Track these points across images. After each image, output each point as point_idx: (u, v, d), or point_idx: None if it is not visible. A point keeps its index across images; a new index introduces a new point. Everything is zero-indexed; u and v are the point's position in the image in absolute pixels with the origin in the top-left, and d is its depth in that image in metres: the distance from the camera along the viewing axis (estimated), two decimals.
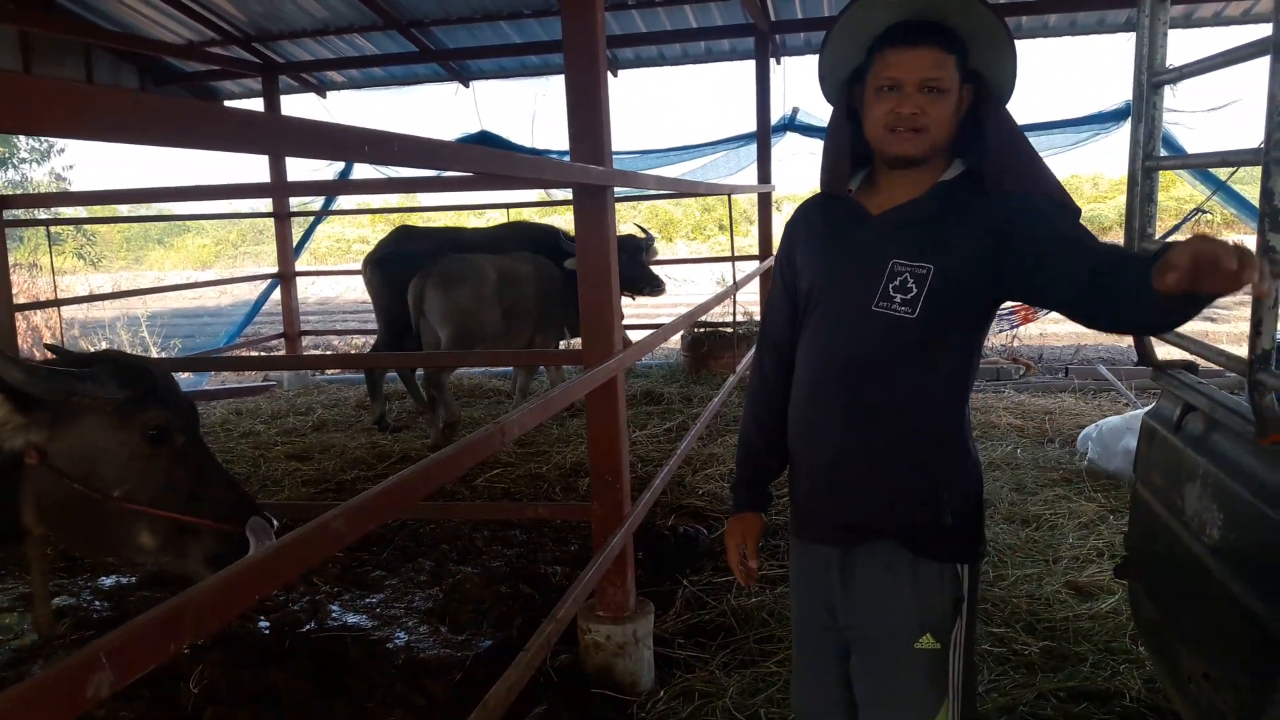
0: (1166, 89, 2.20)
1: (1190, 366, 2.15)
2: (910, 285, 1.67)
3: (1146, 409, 4.97)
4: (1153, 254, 1.34)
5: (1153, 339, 2.24)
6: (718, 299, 4.98)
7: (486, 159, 2.03)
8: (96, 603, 3.85)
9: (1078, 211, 1.68)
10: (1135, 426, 4.97)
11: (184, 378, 8.47)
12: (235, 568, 1.22)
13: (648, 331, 4.58)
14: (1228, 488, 1.71)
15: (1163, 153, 2.21)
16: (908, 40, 1.65)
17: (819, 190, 1.89)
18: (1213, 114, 6.60)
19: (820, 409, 1.78)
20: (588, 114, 2.91)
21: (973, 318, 1.73)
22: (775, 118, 8.24)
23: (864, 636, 1.77)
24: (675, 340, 8.61)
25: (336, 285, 20.70)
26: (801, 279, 1.85)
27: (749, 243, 8.64)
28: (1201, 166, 2.14)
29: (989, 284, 1.66)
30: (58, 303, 6.91)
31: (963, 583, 1.73)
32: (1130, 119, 2.20)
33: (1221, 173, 5.97)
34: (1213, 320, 10.90)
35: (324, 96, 9.20)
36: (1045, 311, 7.95)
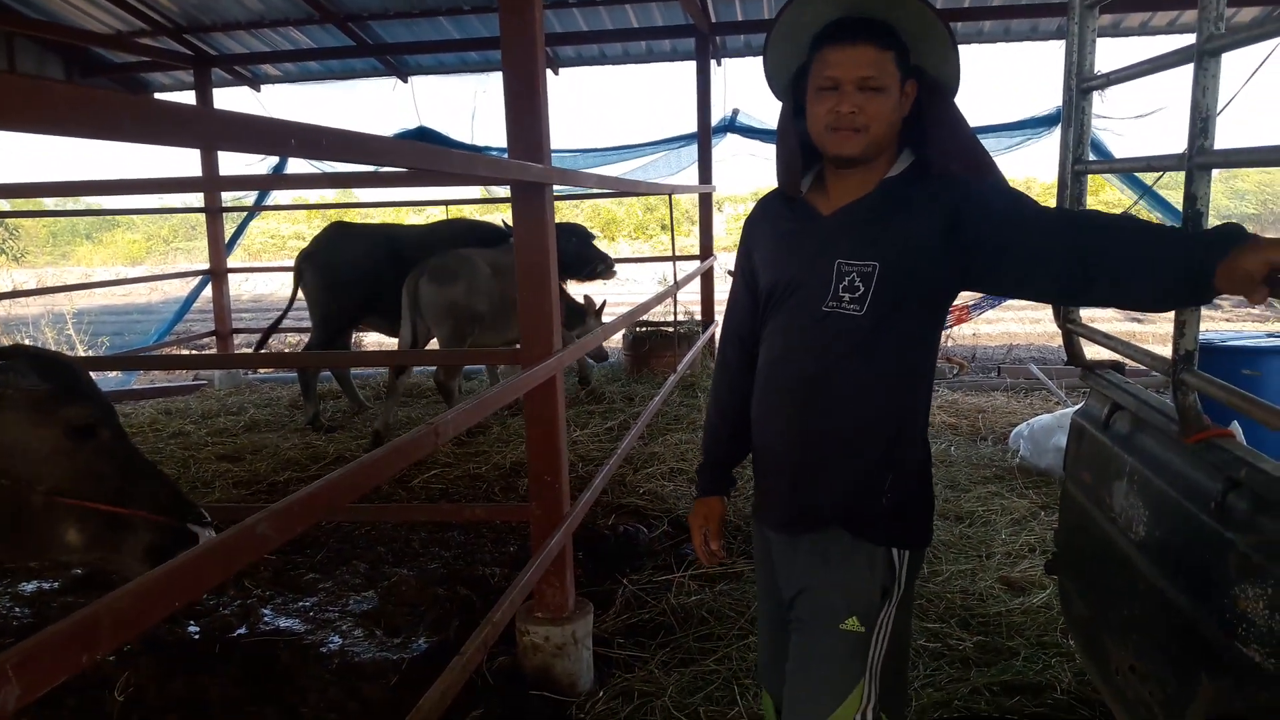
0: (1095, 95, 2.24)
1: (1118, 366, 2.20)
2: (857, 284, 1.69)
3: (1077, 408, 5.11)
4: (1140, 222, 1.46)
5: (1081, 340, 2.28)
6: (659, 298, 4.98)
7: (419, 155, 2.00)
8: (16, 609, 3.72)
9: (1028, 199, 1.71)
10: (1066, 424, 5.07)
11: (111, 376, 8.23)
12: (154, 574, 1.18)
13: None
14: (1153, 485, 1.74)
15: (1092, 157, 2.25)
16: (844, 39, 1.66)
17: (776, 187, 1.92)
18: (1140, 120, 6.79)
19: (775, 403, 1.83)
20: (526, 110, 2.88)
21: (925, 309, 1.75)
22: (716, 119, 8.29)
23: (797, 617, 1.84)
24: (616, 339, 8.60)
25: (271, 282, 20.29)
26: (760, 278, 1.89)
27: (690, 242, 8.65)
28: (1128, 170, 2.19)
29: (941, 272, 1.69)
30: None
31: (896, 569, 1.78)
32: (1060, 124, 2.24)
33: (1148, 178, 6.14)
34: (1139, 321, 11.22)
35: (258, 90, 9.02)
36: (980, 311, 8.12)
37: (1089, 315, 2.32)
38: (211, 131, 1.34)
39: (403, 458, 1.83)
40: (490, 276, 5.96)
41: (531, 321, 2.97)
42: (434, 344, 6.02)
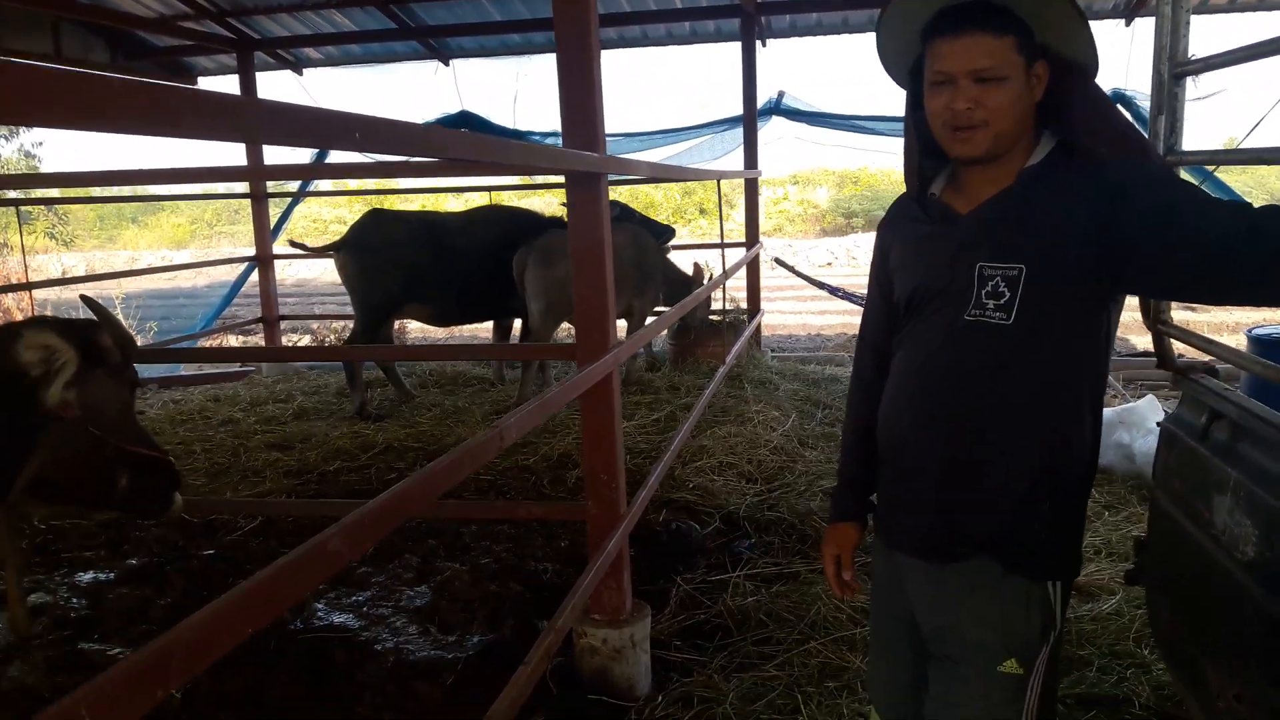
0: (1140, 84, 2.10)
1: (1211, 370, 2.08)
2: (1002, 289, 1.55)
3: (1141, 402, 4.96)
4: None
5: (1173, 341, 2.16)
6: (709, 288, 4.89)
7: (479, 146, 1.92)
8: (74, 600, 3.73)
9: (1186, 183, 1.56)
10: (1128, 420, 4.96)
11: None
12: (225, 600, 1.12)
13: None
14: (1264, 503, 1.63)
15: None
16: (953, 28, 1.53)
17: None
18: (1198, 103, 6.58)
19: (912, 418, 1.70)
20: (581, 99, 2.80)
21: (1082, 314, 1.57)
22: (761, 101, 8.14)
23: (944, 653, 1.69)
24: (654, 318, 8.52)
25: (314, 266, 20.44)
26: (896, 285, 1.75)
27: (730, 226, 8.51)
28: (1232, 163, 2.06)
29: (1097, 272, 1.52)
30: (29, 285, 6.73)
31: (1053, 604, 1.63)
32: (1150, 110, 2.12)
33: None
34: (1192, 310, 10.89)
35: (300, 74, 9.01)
36: None
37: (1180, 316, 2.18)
38: (277, 126, 1.27)
39: (471, 462, 1.77)
40: None
41: (586, 314, 2.89)
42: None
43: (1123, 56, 7.32)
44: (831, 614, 3.29)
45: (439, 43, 8.50)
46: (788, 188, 29.39)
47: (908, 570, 1.75)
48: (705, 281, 7.01)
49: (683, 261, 7.70)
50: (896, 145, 8.63)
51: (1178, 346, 2.25)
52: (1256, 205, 1.44)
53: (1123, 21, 7.42)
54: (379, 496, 1.46)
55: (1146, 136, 1.62)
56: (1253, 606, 1.63)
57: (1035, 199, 1.57)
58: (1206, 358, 2.13)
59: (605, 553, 2.70)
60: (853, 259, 21.12)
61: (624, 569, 2.98)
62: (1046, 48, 1.57)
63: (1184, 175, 2.02)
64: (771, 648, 3.15)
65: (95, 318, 2.57)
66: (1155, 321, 2.14)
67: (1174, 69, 2.08)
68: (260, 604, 1.18)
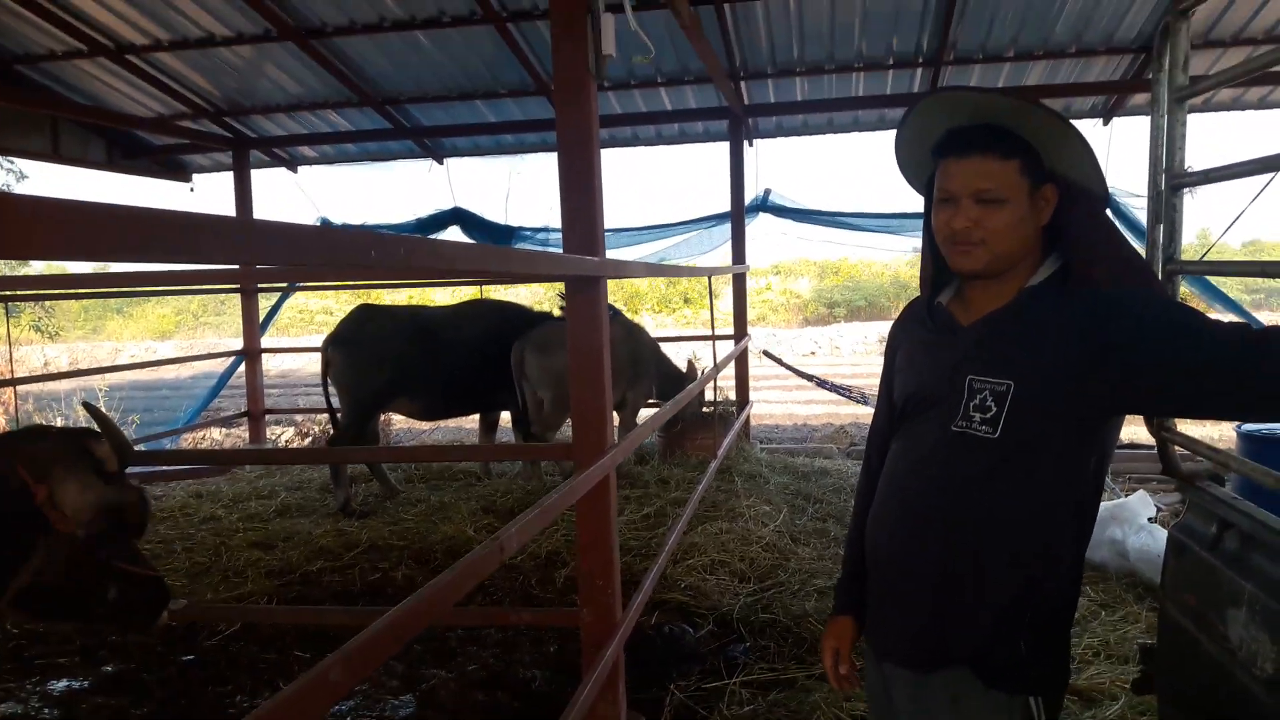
0: (1120, 182, 2.14)
1: (1216, 478, 2.07)
2: (990, 403, 1.57)
3: (1133, 498, 4.94)
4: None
5: (1177, 448, 2.16)
6: (701, 383, 4.89)
7: (488, 256, 1.94)
8: (46, 710, 3.59)
9: (1183, 307, 1.58)
10: (1120, 516, 4.93)
11: (140, 452, 8.17)
12: None
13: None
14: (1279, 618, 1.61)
15: (1129, 231, 2.16)
16: (959, 150, 1.58)
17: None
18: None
19: (896, 523, 1.71)
20: (582, 204, 2.84)
21: (1071, 434, 1.57)
22: (748, 198, 8.29)
23: None
24: (643, 414, 8.51)
25: (299, 357, 20.40)
26: (895, 388, 1.80)
27: (716, 316, 8.59)
28: (1236, 274, 2.09)
29: (1088, 395, 1.53)
30: (14, 381, 6.66)
31: (1036, 718, 1.60)
32: (1148, 221, 2.15)
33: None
34: None
35: (295, 171, 9.13)
36: None
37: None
38: (291, 246, 1.27)
39: (470, 579, 1.72)
40: None
41: (584, 416, 2.88)
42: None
43: (1102, 156, 7.50)
44: None
45: (433, 142, 8.65)
46: (770, 278, 29.78)
47: (894, 678, 1.74)
48: (698, 377, 7.03)
49: (672, 352, 7.73)
50: (879, 241, 8.79)
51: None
52: (1257, 326, 1.46)
53: (1100, 121, 7.65)
54: (378, 621, 1.41)
55: (1142, 257, 1.64)
56: None
57: (1032, 317, 1.59)
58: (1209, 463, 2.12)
59: (602, 663, 2.63)
60: (835, 348, 21.29)
61: (619, 680, 2.90)
62: (1054, 172, 1.60)
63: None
64: None
65: (94, 423, 2.56)
66: (1159, 428, 2.14)
67: (1171, 180, 2.12)
68: None
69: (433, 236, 8.68)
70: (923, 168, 1.74)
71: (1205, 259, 2.39)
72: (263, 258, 1.18)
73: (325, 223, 8.98)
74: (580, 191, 2.84)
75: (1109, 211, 1.70)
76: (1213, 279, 7.14)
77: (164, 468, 7.32)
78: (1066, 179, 1.61)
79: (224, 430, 10.33)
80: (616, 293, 27.46)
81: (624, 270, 3.63)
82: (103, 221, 0.89)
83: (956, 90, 1.63)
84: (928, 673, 1.66)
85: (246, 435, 8.76)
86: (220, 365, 9.46)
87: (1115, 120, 7.66)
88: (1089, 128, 7.79)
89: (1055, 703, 1.65)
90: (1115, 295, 1.55)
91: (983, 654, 1.60)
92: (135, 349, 24.59)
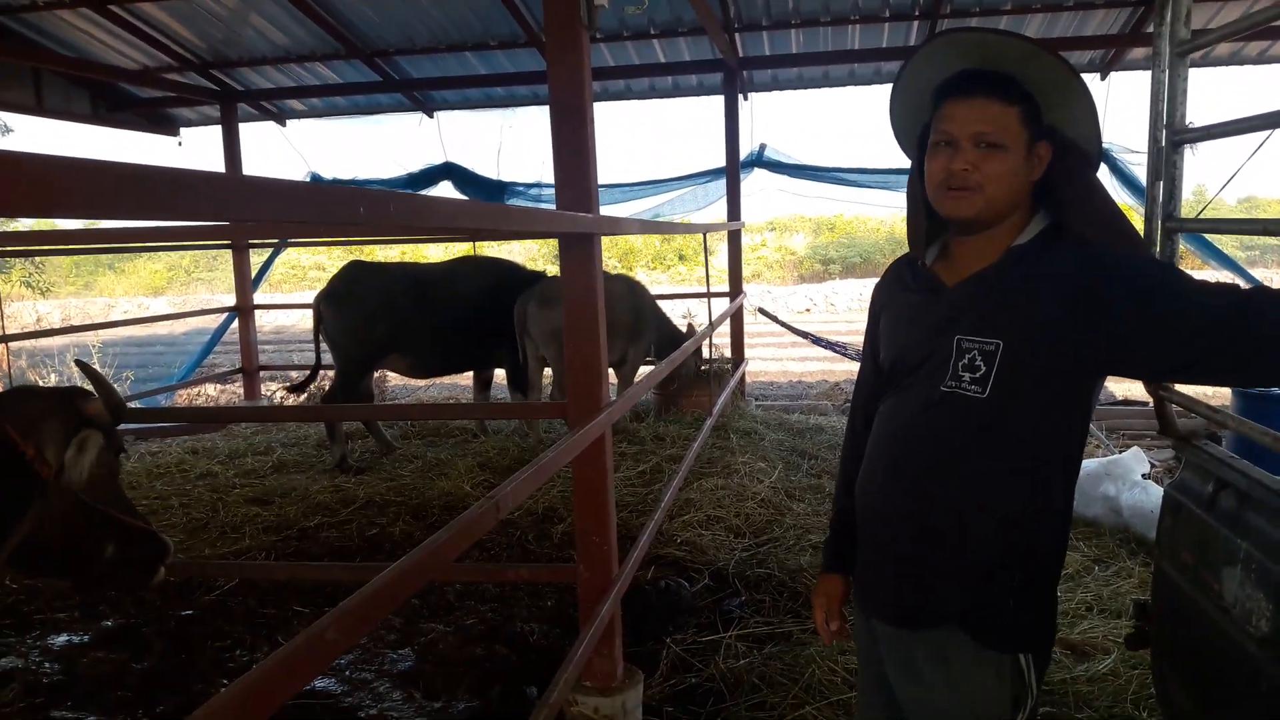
0: (1116, 137, 2.10)
1: (1214, 437, 2.07)
2: (979, 363, 1.56)
3: (1127, 454, 4.96)
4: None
5: (1173, 406, 2.15)
6: (695, 342, 4.87)
7: (483, 215, 1.91)
8: (46, 664, 3.61)
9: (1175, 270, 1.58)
10: (1114, 472, 4.95)
11: (137, 408, 8.16)
12: (220, 700, 1.07)
13: None
14: (1275, 576, 1.61)
15: (1129, 198, 2.13)
16: (964, 91, 1.57)
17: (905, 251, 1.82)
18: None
19: (885, 487, 1.71)
20: (574, 160, 2.80)
21: (1059, 393, 1.58)
22: (743, 153, 8.21)
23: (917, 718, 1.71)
24: (640, 372, 8.51)
25: (292, 313, 20.34)
26: (881, 350, 1.78)
27: (711, 273, 8.56)
28: (1236, 232, 2.06)
29: (1076, 354, 1.53)
30: (5, 338, 6.62)
31: (1026, 675, 1.61)
32: (1147, 178, 2.13)
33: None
34: None
35: (284, 125, 9.02)
36: None
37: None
38: (279, 203, 1.24)
39: (467, 538, 1.72)
40: None
41: (579, 374, 2.87)
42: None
43: (1099, 111, 7.44)
44: (826, 677, 3.23)
45: (423, 95, 8.54)
46: (765, 234, 29.68)
47: (882, 635, 1.75)
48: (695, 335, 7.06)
49: (668, 309, 7.69)
50: (875, 197, 8.72)
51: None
52: (1244, 284, 1.45)
53: (1098, 76, 7.56)
54: (375, 580, 1.40)
55: (1131, 223, 1.62)
56: (1268, 683, 1.60)
57: (1019, 277, 1.58)
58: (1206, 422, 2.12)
59: (598, 618, 2.64)
60: (831, 305, 21.28)
61: (616, 634, 2.92)
62: (1052, 130, 1.60)
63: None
64: (766, 713, 3.09)
65: (87, 380, 2.55)
66: (1157, 387, 2.13)
67: (1172, 136, 2.09)
68: (258, 700, 1.12)
69: (424, 192, 8.59)
70: (913, 125, 1.73)
71: (1202, 216, 2.37)
72: (252, 214, 1.15)
73: (315, 178, 8.89)
74: (573, 147, 2.79)
75: (1105, 167, 1.68)
76: (1209, 235, 7.12)
77: (161, 424, 7.31)
78: (1063, 137, 1.60)
79: (219, 386, 10.32)
80: (611, 249, 27.33)
81: (618, 227, 3.59)
82: (92, 178, 0.87)
83: (971, 30, 1.59)
84: (915, 630, 1.67)
85: (241, 391, 8.75)
86: (213, 322, 9.41)
87: (1113, 75, 7.58)
88: (1086, 82, 7.70)
89: (1043, 658, 1.67)
90: (1106, 255, 1.54)
91: (971, 612, 1.61)
92: (128, 305, 24.48)
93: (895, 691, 1.76)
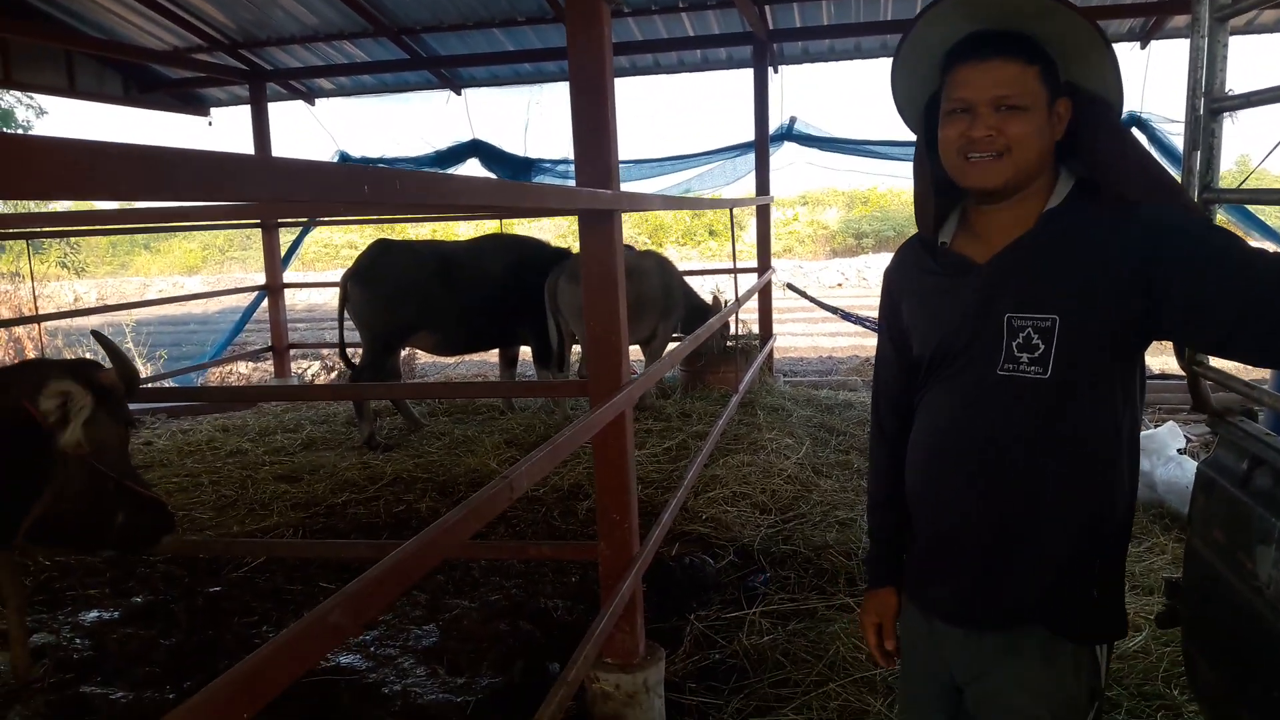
0: (1157, 107, 2.02)
1: (1250, 413, 2.00)
2: (1036, 341, 1.46)
3: (1162, 429, 4.86)
4: None
5: (1208, 382, 2.09)
6: (722, 317, 4.83)
7: (493, 191, 1.88)
8: (77, 640, 3.67)
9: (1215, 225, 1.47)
10: (1148, 447, 4.85)
11: (168, 388, 8.27)
12: (220, 685, 1.06)
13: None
14: None
15: (1167, 164, 2.06)
16: (977, 54, 1.46)
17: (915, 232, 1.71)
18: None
19: (945, 480, 1.60)
20: (594, 137, 2.76)
21: (1121, 362, 1.48)
22: (773, 127, 8.11)
23: (985, 716, 1.62)
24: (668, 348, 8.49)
25: (325, 292, 20.46)
26: (912, 341, 1.66)
27: (740, 248, 8.47)
28: (1271, 203, 1.98)
29: (1132, 321, 1.43)
30: (39, 318, 6.72)
31: (1102, 667, 1.55)
32: (1184, 148, 2.05)
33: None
34: None
35: (313, 104, 9.04)
36: None
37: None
38: (285, 184, 1.22)
39: (479, 518, 1.70)
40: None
41: (599, 352, 2.84)
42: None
43: (1139, 80, 7.27)
44: (851, 654, 3.21)
45: (450, 72, 8.51)
46: (797, 209, 29.40)
47: (947, 637, 1.64)
48: (722, 310, 7.01)
49: (696, 285, 7.66)
50: (907, 169, 8.58)
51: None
52: None
53: (1138, 44, 7.38)
54: (381, 562, 1.39)
55: (1170, 174, 1.52)
56: None
57: (1061, 243, 1.48)
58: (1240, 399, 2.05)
59: (618, 596, 2.63)
60: (863, 280, 21.08)
61: (637, 611, 2.91)
62: (1072, 85, 1.51)
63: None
64: (789, 690, 3.07)
65: (102, 351, 2.58)
66: (1190, 363, 2.07)
67: (1211, 104, 2.01)
68: (258, 686, 1.11)
69: (452, 169, 8.59)
70: (919, 93, 1.63)
71: (1244, 187, 2.29)
72: (247, 194, 1.13)
73: (344, 156, 8.90)
74: (593, 123, 2.75)
75: (1144, 137, 1.59)
76: (1252, 207, 6.94)
77: (189, 402, 7.40)
78: (1084, 91, 1.51)
79: (250, 364, 10.42)
80: (641, 226, 27.24)
81: (639, 203, 3.55)
82: (116, 161, 0.88)
83: None
84: (987, 631, 1.58)
85: (272, 369, 8.84)
86: (245, 300, 9.49)
87: (1153, 44, 7.38)
88: (1126, 51, 7.51)
89: (1110, 650, 1.60)
90: (1153, 211, 1.43)
91: (1050, 606, 1.52)
92: (163, 284, 24.80)
93: (963, 690, 1.65)
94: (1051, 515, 1.51)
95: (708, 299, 7.39)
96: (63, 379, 2.23)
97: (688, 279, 7.46)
